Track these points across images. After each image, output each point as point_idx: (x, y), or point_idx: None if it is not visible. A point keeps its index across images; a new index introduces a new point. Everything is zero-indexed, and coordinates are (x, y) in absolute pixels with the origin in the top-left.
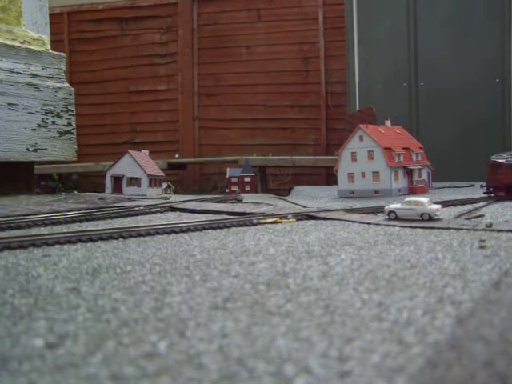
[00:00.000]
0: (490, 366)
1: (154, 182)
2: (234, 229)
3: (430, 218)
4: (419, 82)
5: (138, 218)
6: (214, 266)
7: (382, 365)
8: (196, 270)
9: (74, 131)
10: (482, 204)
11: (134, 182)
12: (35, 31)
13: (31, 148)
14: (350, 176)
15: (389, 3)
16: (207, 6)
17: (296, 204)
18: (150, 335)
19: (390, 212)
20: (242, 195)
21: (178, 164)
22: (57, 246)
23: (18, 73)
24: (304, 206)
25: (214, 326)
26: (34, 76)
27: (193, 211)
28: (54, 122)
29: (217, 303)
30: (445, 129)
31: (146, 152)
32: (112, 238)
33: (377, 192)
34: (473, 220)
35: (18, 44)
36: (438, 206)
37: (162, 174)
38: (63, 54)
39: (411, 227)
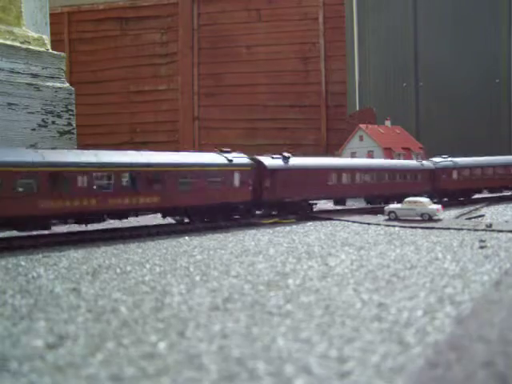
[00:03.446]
0: (490, 366)
1: None
2: (233, 229)
3: (430, 218)
4: (419, 82)
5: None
6: (214, 266)
7: (381, 365)
8: (196, 270)
9: (75, 131)
10: (482, 204)
11: None
12: (35, 31)
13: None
14: None
15: (389, 4)
16: (207, 6)
17: None
18: (150, 336)
19: (390, 212)
20: None
21: None
22: (57, 247)
23: (18, 73)
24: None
25: (214, 327)
26: (34, 76)
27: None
28: (54, 122)
29: (217, 304)
30: (444, 129)
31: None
32: (112, 238)
33: None
34: (473, 220)
35: (18, 44)
36: (439, 206)
37: None
38: (63, 54)
39: (411, 227)
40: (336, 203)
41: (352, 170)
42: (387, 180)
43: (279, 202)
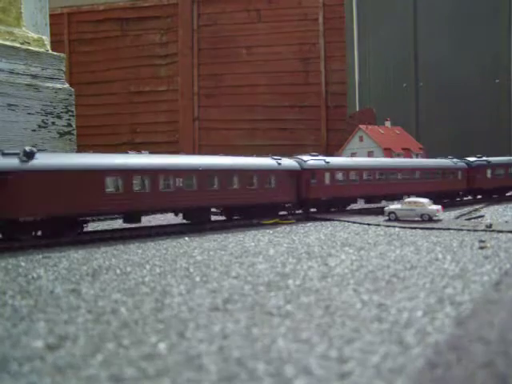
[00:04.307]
0: (490, 367)
1: None
2: (234, 229)
3: (430, 219)
4: (419, 82)
5: None
6: (214, 267)
7: (381, 366)
8: (196, 271)
9: (74, 132)
10: (481, 205)
11: None
12: (35, 32)
13: None
14: None
15: (389, 4)
16: (207, 6)
17: None
18: (150, 336)
19: (390, 213)
20: None
21: None
22: (57, 248)
23: (17, 74)
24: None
25: (214, 327)
26: (34, 77)
27: None
28: (53, 123)
29: (217, 304)
30: (444, 129)
31: (146, 153)
32: (112, 238)
33: None
34: (473, 221)
35: (17, 45)
36: (438, 207)
37: None
38: (63, 55)
39: (411, 228)
40: (125, 221)
41: (150, 171)
42: (217, 186)
43: (12, 220)
